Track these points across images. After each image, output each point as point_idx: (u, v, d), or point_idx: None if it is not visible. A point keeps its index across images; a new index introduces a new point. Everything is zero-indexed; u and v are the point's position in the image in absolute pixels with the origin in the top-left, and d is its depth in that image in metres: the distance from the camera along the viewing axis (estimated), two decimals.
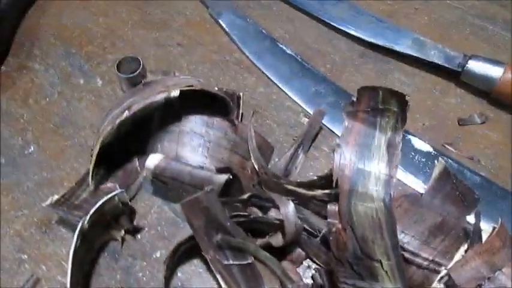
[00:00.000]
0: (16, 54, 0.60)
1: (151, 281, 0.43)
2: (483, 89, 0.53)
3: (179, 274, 0.43)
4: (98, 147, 0.43)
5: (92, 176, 0.45)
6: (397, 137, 0.43)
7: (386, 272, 0.36)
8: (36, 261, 0.44)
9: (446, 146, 0.50)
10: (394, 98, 0.41)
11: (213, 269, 0.40)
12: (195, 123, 0.46)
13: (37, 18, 0.64)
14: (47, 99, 0.56)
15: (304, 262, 0.43)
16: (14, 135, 0.52)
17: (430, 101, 0.54)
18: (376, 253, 0.37)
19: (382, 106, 0.42)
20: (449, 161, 0.49)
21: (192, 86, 0.45)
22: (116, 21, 0.63)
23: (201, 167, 0.43)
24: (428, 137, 0.51)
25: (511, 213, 0.46)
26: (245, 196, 0.41)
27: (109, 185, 0.47)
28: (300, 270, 0.43)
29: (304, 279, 0.42)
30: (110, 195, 0.40)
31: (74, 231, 0.40)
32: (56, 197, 0.45)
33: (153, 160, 0.42)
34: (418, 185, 0.47)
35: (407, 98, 0.41)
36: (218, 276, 0.40)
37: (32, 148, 0.51)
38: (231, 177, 0.41)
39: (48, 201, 0.44)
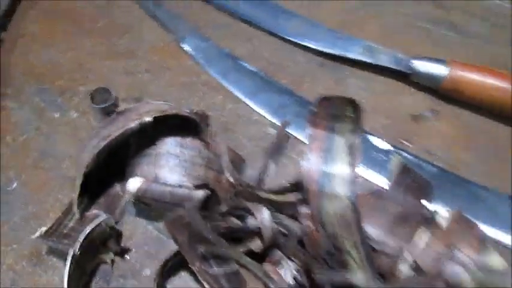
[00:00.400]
0: None
1: None
2: (432, 87, 0.58)
3: None
4: (80, 178, 0.46)
5: (78, 205, 0.48)
6: (356, 139, 0.47)
7: (356, 262, 0.39)
8: None
9: (403, 141, 0.55)
10: (348, 105, 0.45)
11: (200, 279, 0.43)
12: (170, 145, 0.49)
13: (6, 58, 0.66)
14: (25, 136, 0.58)
15: (283, 262, 0.47)
16: None
17: (385, 102, 0.59)
18: (347, 247, 0.40)
19: (338, 113, 0.46)
20: (407, 155, 0.53)
21: (164, 111, 0.48)
22: (83, 55, 0.66)
23: (180, 186, 0.46)
24: (386, 135, 0.56)
25: (466, 198, 0.51)
26: (223, 209, 0.44)
27: (94, 211, 0.49)
28: (280, 271, 0.46)
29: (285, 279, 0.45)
30: (97, 222, 0.43)
31: (64, 259, 0.42)
32: (44, 228, 0.47)
33: (134, 184, 0.45)
34: (381, 180, 0.52)
35: (360, 102, 0.45)
36: (206, 286, 0.43)
37: (15, 184, 0.53)
38: (208, 192, 0.44)
39: (37, 233, 0.46)
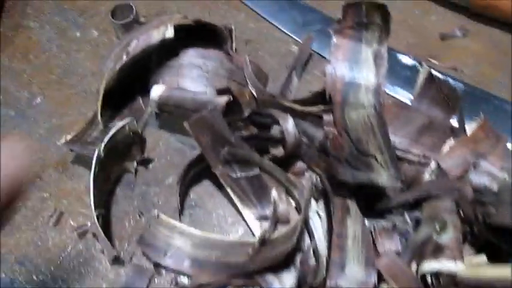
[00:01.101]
0: (10, 15, 0.62)
1: (166, 204, 0.46)
2: (462, 4, 0.56)
3: (192, 195, 0.47)
4: (102, 88, 0.46)
5: (101, 116, 0.48)
6: (382, 48, 0.45)
7: (381, 164, 0.39)
8: (58, 197, 0.47)
9: (430, 59, 0.53)
10: (376, 11, 0.44)
11: (223, 183, 0.43)
12: (192, 56, 0.48)
13: None
14: (47, 54, 0.58)
15: (306, 174, 0.47)
16: (19, 89, 0.55)
17: (411, 21, 0.57)
18: (371, 150, 0.40)
19: (366, 20, 0.45)
20: (434, 71, 0.52)
21: (186, 20, 0.47)
22: None
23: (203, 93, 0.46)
24: (413, 53, 0.54)
25: (494, 112, 0.49)
26: (246, 113, 0.44)
27: (117, 123, 0.49)
28: (303, 181, 0.46)
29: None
30: (121, 124, 0.43)
31: (89, 167, 0.43)
32: (68, 136, 0.47)
33: (156, 91, 0.45)
34: (406, 97, 0.51)
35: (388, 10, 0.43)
36: (228, 190, 0.43)
37: (39, 99, 0.54)
38: (231, 98, 0.44)
39: (63, 140, 0.47)
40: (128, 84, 0.50)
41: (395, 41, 0.54)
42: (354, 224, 0.39)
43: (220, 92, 0.44)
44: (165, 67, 0.49)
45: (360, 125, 0.42)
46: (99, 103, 0.47)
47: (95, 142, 0.47)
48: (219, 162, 0.42)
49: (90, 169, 0.43)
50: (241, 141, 0.42)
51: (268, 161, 0.42)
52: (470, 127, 0.45)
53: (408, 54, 0.53)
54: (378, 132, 0.41)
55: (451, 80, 0.51)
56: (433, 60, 0.54)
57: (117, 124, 0.43)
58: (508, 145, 0.47)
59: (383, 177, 0.38)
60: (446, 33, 0.55)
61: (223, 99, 0.43)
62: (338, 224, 0.38)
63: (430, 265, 0.36)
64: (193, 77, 0.47)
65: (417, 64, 0.52)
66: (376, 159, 0.40)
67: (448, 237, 0.35)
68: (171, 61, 0.49)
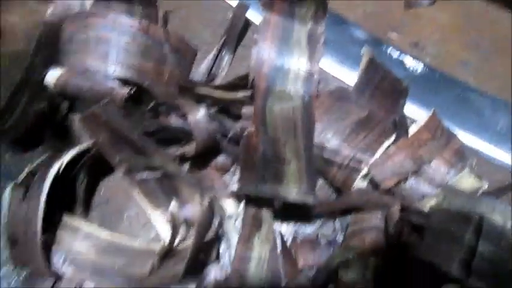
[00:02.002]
0: None
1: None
2: None
3: (103, 190, 0.42)
4: None
5: None
6: (319, 27, 0.38)
7: (293, 174, 0.33)
8: None
9: (390, 32, 0.46)
10: None
11: (127, 184, 0.38)
12: (101, 28, 0.41)
13: None
14: None
15: (232, 168, 0.41)
16: None
17: None
18: (286, 155, 0.34)
19: None
20: (391, 48, 0.44)
21: None
22: None
23: (106, 78, 0.39)
24: (370, 24, 0.46)
25: (454, 102, 0.43)
26: (149, 106, 0.38)
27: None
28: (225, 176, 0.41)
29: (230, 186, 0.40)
30: None
31: None
32: None
33: (52, 75, 0.39)
34: (355, 79, 0.44)
35: None
36: (134, 191, 0.38)
37: None
38: (133, 89, 0.37)
39: None
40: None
41: (349, 9, 0.47)
42: (262, 244, 0.34)
43: (125, 82, 0.38)
44: (72, 42, 0.42)
45: (281, 121, 0.36)
46: None
47: (10, 131, 0.42)
48: (120, 161, 0.37)
49: None
50: (145, 137, 0.37)
51: (173, 164, 0.37)
52: (421, 120, 0.39)
53: (364, 27, 0.46)
54: (301, 132, 0.35)
55: (409, 60, 0.44)
56: (393, 33, 0.46)
57: None
58: (468, 141, 0.41)
59: (292, 191, 0.33)
60: (411, 1, 0.47)
61: (123, 91, 0.37)
62: (242, 244, 0.33)
63: None
64: (100, 53, 0.41)
65: (371, 39, 0.45)
66: (290, 168, 0.34)
67: (353, 277, 0.29)
68: (78, 34, 0.42)
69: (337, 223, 0.39)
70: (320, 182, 0.39)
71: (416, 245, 0.31)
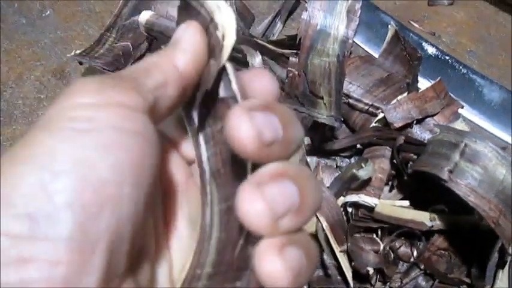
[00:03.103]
0: None
1: None
2: None
3: None
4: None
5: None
6: (356, 4, 0.48)
7: (325, 104, 0.43)
8: (52, 100, 0.54)
9: (412, 22, 0.56)
10: None
11: None
12: None
13: None
14: None
15: None
16: (33, 0, 0.60)
17: None
18: (321, 92, 0.44)
19: None
20: (412, 35, 0.54)
21: None
22: None
23: None
24: (397, 14, 0.56)
25: (459, 80, 0.52)
26: None
27: (122, 43, 0.54)
28: None
29: None
30: None
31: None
32: (78, 51, 0.53)
33: (144, 16, 0.49)
34: (377, 52, 0.53)
35: None
36: None
37: (48, 12, 0.59)
38: None
39: (72, 53, 0.52)
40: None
41: (384, 0, 0.57)
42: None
43: None
44: None
45: (319, 70, 0.46)
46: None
47: (100, 57, 0.52)
48: None
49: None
50: None
51: None
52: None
53: (393, 15, 0.56)
54: (333, 78, 0.45)
55: (425, 44, 0.53)
56: (415, 24, 0.56)
57: None
58: (464, 112, 0.50)
59: (323, 115, 0.43)
60: None
61: None
62: None
63: (350, 197, 0.41)
64: None
65: (397, 25, 0.55)
66: (324, 101, 0.43)
67: (366, 173, 0.39)
68: None
69: (353, 159, 0.48)
70: (343, 126, 0.49)
71: (415, 160, 0.40)
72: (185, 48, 0.20)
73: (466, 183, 0.37)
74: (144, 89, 0.18)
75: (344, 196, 0.42)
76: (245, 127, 0.16)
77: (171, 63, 0.20)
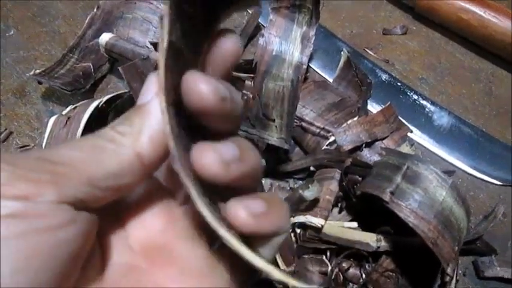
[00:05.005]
0: None
1: None
2: (409, 5, 0.60)
3: None
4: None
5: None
6: (311, 31, 0.50)
7: (276, 127, 0.44)
8: (10, 119, 0.54)
9: (367, 50, 0.58)
10: None
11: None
12: (146, 11, 0.54)
13: None
14: None
15: None
16: None
17: (362, 13, 0.61)
18: (273, 115, 0.45)
19: (299, 2, 0.49)
20: (366, 61, 0.57)
21: None
22: None
23: (144, 46, 0.51)
24: (354, 42, 0.59)
25: (409, 107, 0.54)
26: None
27: (83, 64, 0.55)
28: None
29: None
30: None
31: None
32: (37, 70, 0.53)
33: (104, 38, 0.50)
34: (332, 78, 0.55)
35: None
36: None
37: (12, 31, 0.60)
38: None
39: (32, 72, 0.52)
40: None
41: (341, 28, 0.59)
42: None
43: (154, 45, 0.50)
44: (121, 18, 0.54)
45: (273, 94, 0.47)
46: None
47: (60, 78, 0.53)
48: None
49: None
50: None
51: None
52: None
53: (349, 43, 0.58)
54: (287, 102, 0.47)
55: (378, 71, 0.56)
56: (370, 51, 0.58)
57: None
58: (414, 136, 0.52)
59: (273, 137, 0.44)
60: (389, 28, 0.60)
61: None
62: None
63: (298, 218, 0.42)
64: (142, 30, 0.53)
65: (352, 52, 0.57)
66: (275, 124, 0.45)
67: (311, 194, 0.40)
68: (127, 13, 0.54)
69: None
70: (296, 149, 0.50)
71: (360, 182, 0.41)
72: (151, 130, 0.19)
73: (406, 205, 0.38)
74: (81, 180, 0.18)
75: (293, 217, 0.43)
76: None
77: (132, 150, 0.19)
